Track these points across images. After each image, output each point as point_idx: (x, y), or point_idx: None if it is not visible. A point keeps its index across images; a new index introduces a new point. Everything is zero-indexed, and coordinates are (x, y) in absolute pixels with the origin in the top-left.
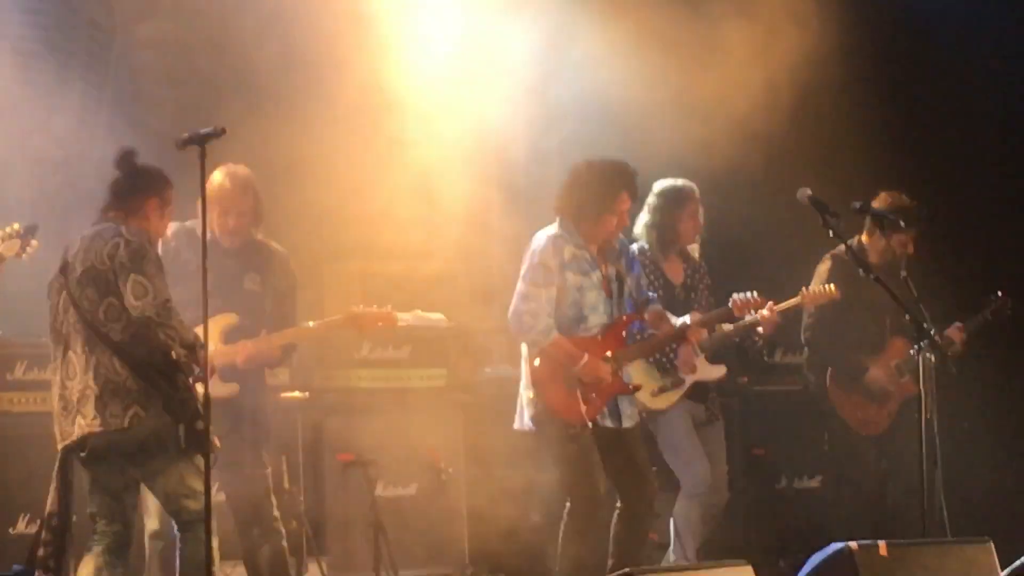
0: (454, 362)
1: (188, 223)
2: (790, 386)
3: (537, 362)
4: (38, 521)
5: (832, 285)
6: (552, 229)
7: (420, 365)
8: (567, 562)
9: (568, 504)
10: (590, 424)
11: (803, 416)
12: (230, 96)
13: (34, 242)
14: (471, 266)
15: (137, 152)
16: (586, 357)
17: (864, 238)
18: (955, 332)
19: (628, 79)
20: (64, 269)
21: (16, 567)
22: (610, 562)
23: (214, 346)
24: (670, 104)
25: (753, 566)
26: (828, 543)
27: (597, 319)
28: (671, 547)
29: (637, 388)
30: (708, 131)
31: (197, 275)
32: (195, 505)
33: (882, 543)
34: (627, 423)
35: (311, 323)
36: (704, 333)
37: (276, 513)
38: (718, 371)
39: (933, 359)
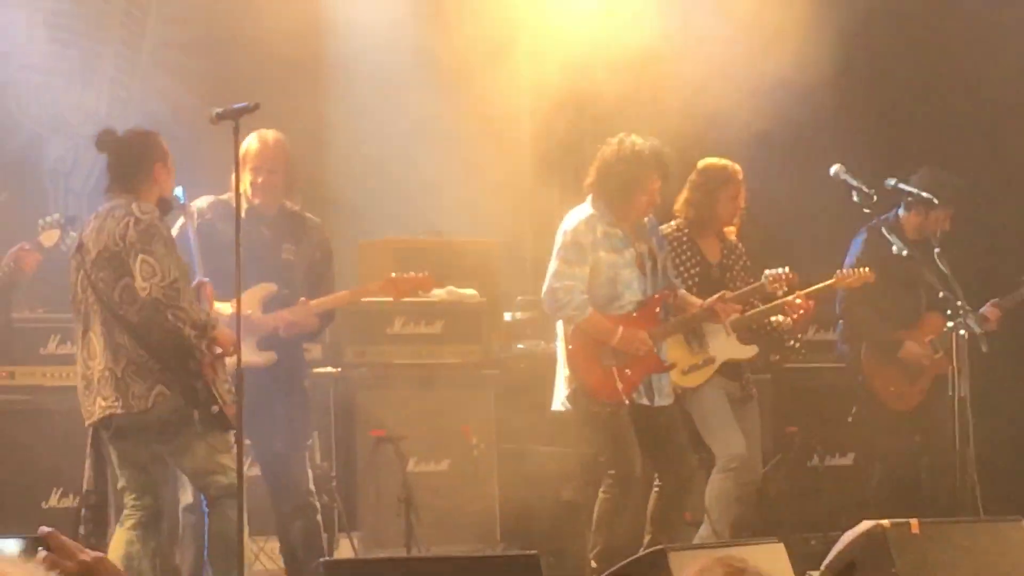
0: (487, 338)
1: (223, 196)
2: (822, 363)
3: (571, 346)
4: (71, 496)
5: (867, 268)
6: (584, 208)
7: (453, 341)
8: (601, 540)
9: (604, 482)
10: (626, 401)
11: (835, 393)
12: (264, 69)
13: (73, 233)
14: (504, 242)
15: (112, 129)
16: (621, 329)
17: (902, 213)
18: (991, 310)
19: (663, 53)
20: (80, 248)
21: (43, 529)
22: (646, 539)
23: (253, 314)
24: (713, 78)
25: (784, 544)
26: (859, 521)
27: (632, 296)
28: (704, 524)
29: (672, 365)
30: (743, 106)
31: (232, 247)
32: (224, 480)
33: (914, 521)
34: (662, 401)
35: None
36: (735, 311)
37: (311, 487)
38: (749, 351)
39: (966, 336)
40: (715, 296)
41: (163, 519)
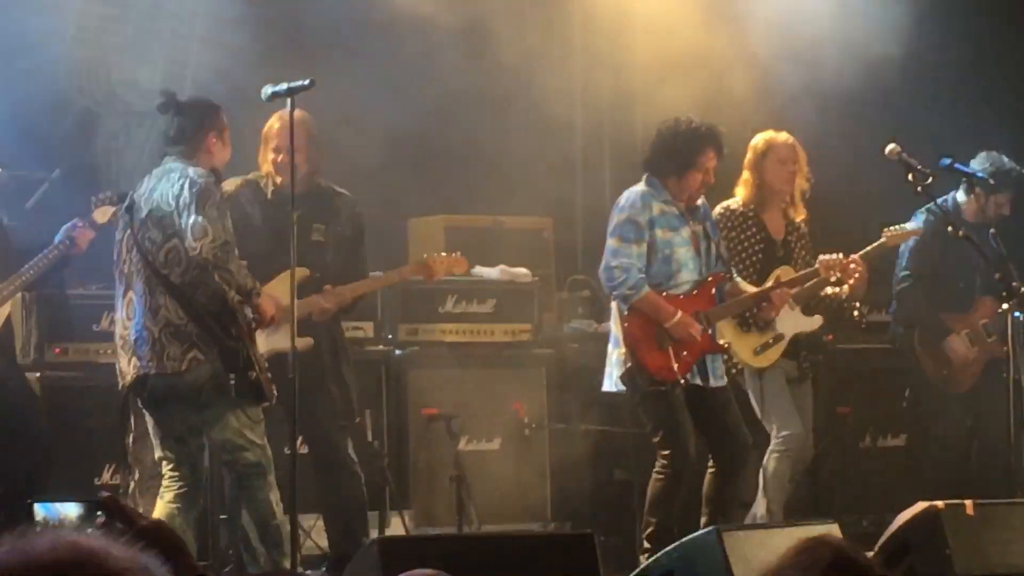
0: (538, 317)
1: (251, 176)
2: (875, 344)
3: (627, 324)
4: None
5: (915, 224)
6: (640, 186)
7: (504, 319)
8: (654, 520)
9: (657, 462)
10: (681, 381)
11: (888, 374)
12: (315, 46)
13: (125, 210)
14: (557, 221)
15: (175, 92)
16: (679, 314)
17: (960, 197)
18: None
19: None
20: (131, 208)
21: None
22: (702, 520)
23: (287, 300)
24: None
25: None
26: (913, 502)
27: (688, 275)
28: (756, 504)
29: (728, 347)
30: (800, 88)
31: (262, 229)
32: (251, 457)
33: (969, 503)
34: (716, 382)
35: (380, 273)
36: (788, 296)
37: (356, 468)
38: (815, 322)
39: (1022, 318)
40: (770, 283)
41: (201, 489)
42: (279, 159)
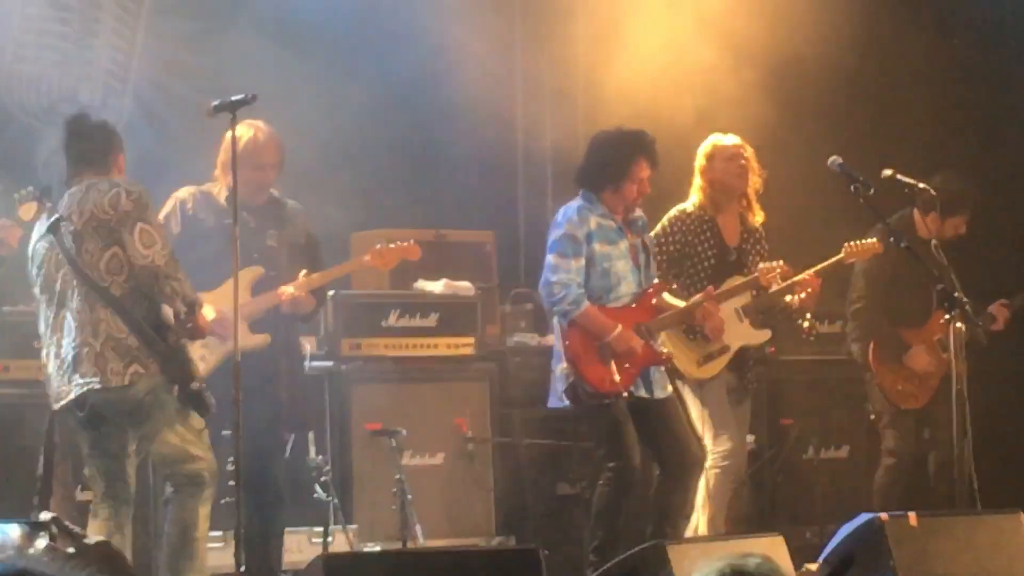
0: (481, 331)
1: (204, 186)
2: (819, 356)
3: (568, 341)
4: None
5: (875, 239)
6: (576, 201)
7: (447, 333)
8: (600, 533)
9: (603, 475)
10: (624, 394)
11: (833, 385)
12: (254, 60)
13: (49, 204)
14: (499, 234)
15: (86, 115)
16: (619, 328)
17: (917, 215)
18: (998, 309)
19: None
20: (54, 228)
21: (46, 514)
22: (648, 530)
23: (243, 299)
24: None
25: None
26: (857, 514)
27: (627, 288)
28: (696, 517)
29: (670, 357)
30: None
31: (214, 235)
32: (194, 468)
33: (912, 514)
34: (660, 393)
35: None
36: (717, 309)
37: (283, 493)
38: (763, 335)
39: (963, 328)
40: (700, 294)
41: (132, 508)
42: (267, 176)
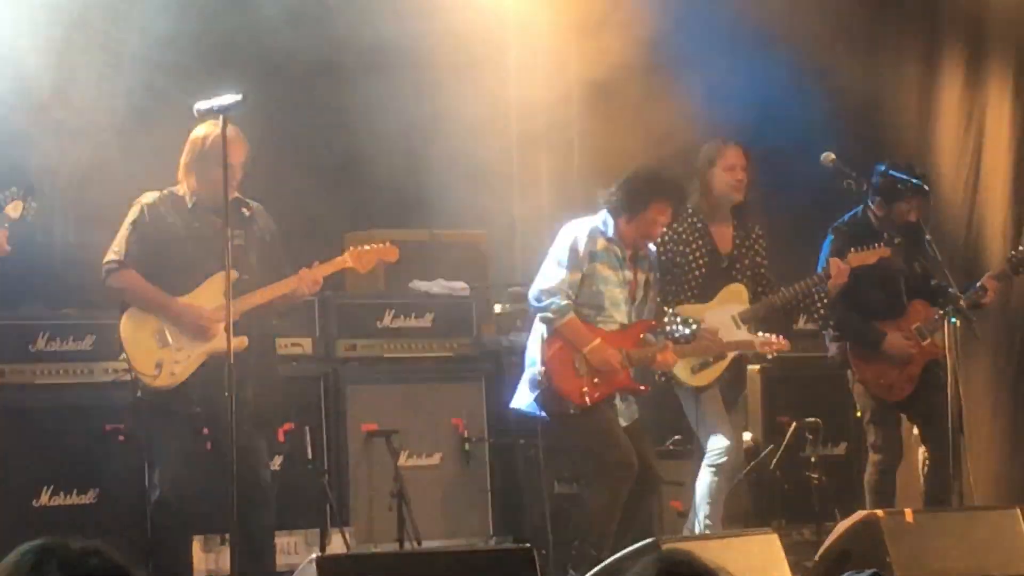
0: (477, 330)
1: (166, 190)
2: (816, 352)
3: (547, 349)
4: (62, 494)
5: (879, 244)
6: (593, 219)
7: (443, 334)
8: (595, 532)
9: (595, 476)
10: (589, 404)
11: (826, 383)
12: (245, 62)
13: (34, 204)
14: (493, 233)
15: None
16: (598, 340)
17: (870, 207)
18: (988, 281)
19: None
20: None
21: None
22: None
23: (221, 302)
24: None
25: (777, 535)
26: (854, 511)
27: (618, 316)
28: (694, 516)
29: (646, 390)
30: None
31: (185, 238)
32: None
33: (908, 510)
34: (623, 421)
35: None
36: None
37: (271, 494)
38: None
39: (957, 323)
40: (663, 345)
41: None
42: (237, 175)
